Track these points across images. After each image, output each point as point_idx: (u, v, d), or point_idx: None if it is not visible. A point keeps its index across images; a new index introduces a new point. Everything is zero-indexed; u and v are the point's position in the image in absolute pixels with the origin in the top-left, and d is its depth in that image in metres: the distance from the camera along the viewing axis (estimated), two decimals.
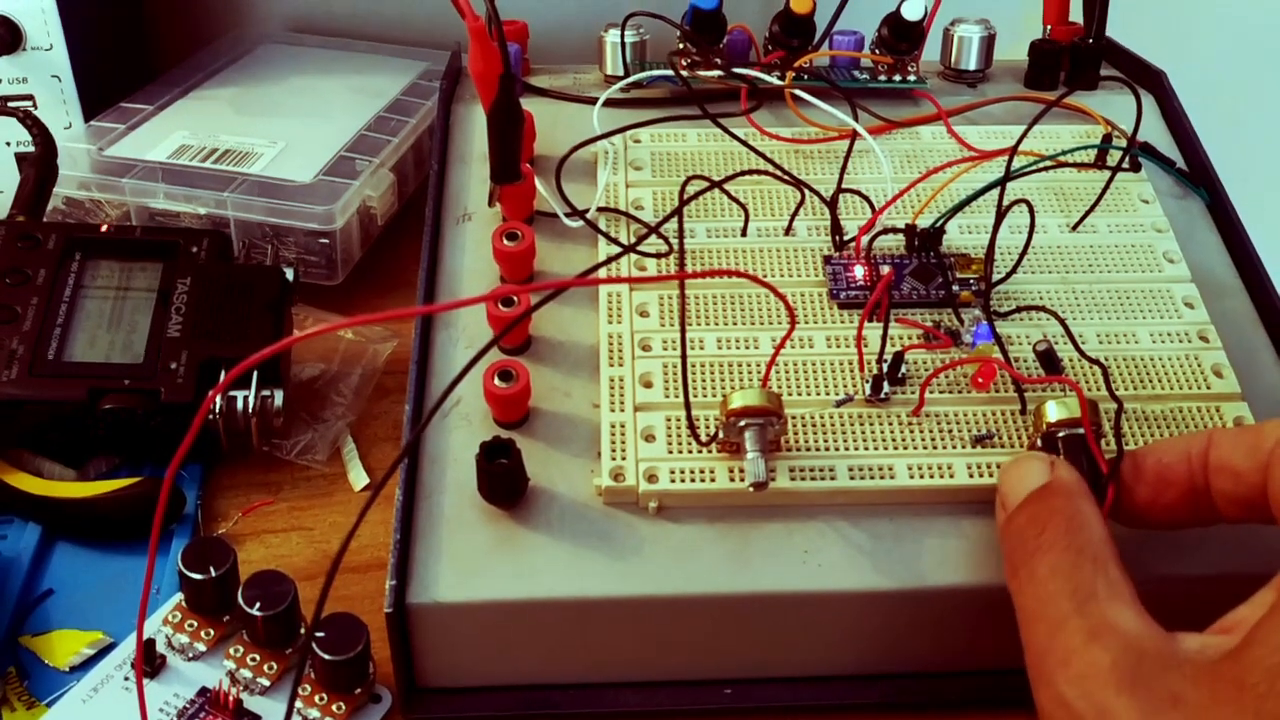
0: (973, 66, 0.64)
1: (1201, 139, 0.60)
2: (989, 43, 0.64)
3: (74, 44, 0.71)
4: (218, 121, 0.73)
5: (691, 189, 0.53)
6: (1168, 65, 0.64)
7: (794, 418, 0.46)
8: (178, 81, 0.78)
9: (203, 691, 0.43)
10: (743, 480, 0.44)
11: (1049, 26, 0.65)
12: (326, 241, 0.66)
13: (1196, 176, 0.58)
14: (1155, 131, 0.61)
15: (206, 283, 0.57)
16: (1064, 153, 0.53)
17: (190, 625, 0.44)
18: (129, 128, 0.71)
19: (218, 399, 0.54)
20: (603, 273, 0.49)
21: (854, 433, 0.46)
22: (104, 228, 0.59)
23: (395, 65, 0.83)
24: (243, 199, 0.65)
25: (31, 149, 0.71)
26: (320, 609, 0.34)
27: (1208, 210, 0.57)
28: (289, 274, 0.59)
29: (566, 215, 0.53)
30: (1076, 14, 0.66)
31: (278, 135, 0.71)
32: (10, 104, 0.70)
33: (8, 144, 0.73)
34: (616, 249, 0.51)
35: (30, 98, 0.72)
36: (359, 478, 0.56)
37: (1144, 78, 0.64)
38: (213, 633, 0.44)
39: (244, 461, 0.56)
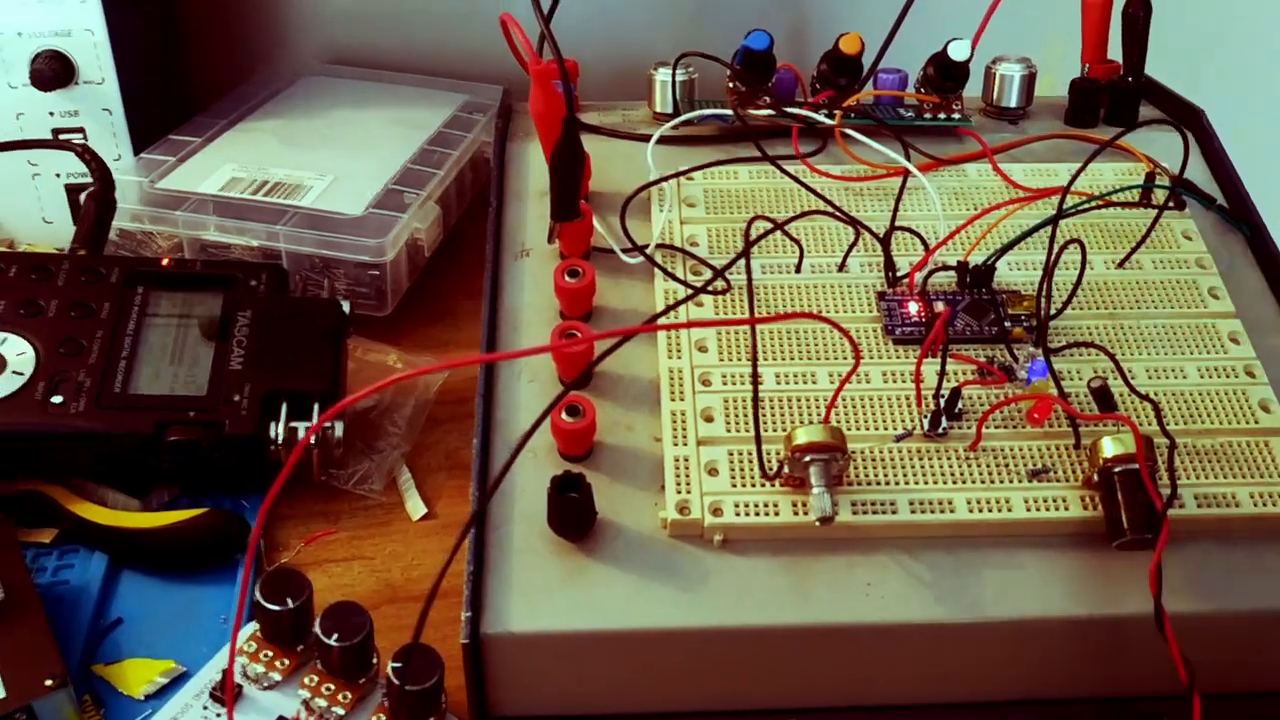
0: (1014, 104, 0.65)
1: (1241, 174, 0.61)
2: (1030, 81, 0.65)
3: (124, 78, 0.73)
4: (265, 154, 0.74)
5: (752, 227, 0.54)
6: (1204, 100, 0.66)
7: (855, 452, 0.47)
8: (223, 114, 0.79)
9: None
10: (807, 514, 0.45)
11: (1087, 65, 0.67)
12: (377, 273, 0.67)
13: (1237, 212, 0.59)
14: (1195, 168, 0.62)
15: (266, 315, 0.58)
16: (1112, 192, 0.54)
17: (266, 655, 0.45)
18: (179, 160, 0.73)
19: (280, 430, 0.55)
20: (672, 314, 0.50)
21: (914, 467, 0.47)
22: (165, 261, 0.60)
23: (435, 98, 0.84)
24: (294, 231, 0.66)
25: (81, 180, 0.73)
26: (417, 638, 0.35)
27: (1249, 246, 0.58)
28: (345, 306, 0.60)
29: (625, 251, 0.54)
30: (1114, 51, 0.67)
31: (325, 168, 0.72)
32: (63, 136, 0.72)
33: (57, 175, 0.74)
34: (678, 287, 0.52)
35: (81, 130, 0.73)
36: (416, 507, 0.57)
37: (1183, 115, 0.65)
38: (288, 662, 0.45)
39: (303, 491, 0.57)
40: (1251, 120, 0.76)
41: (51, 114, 0.72)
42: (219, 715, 0.44)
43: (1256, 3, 0.89)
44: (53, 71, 0.70)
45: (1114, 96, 0.65)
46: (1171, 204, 0.56)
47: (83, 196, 0.67)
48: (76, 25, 0.70)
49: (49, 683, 0.44)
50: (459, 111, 0.82)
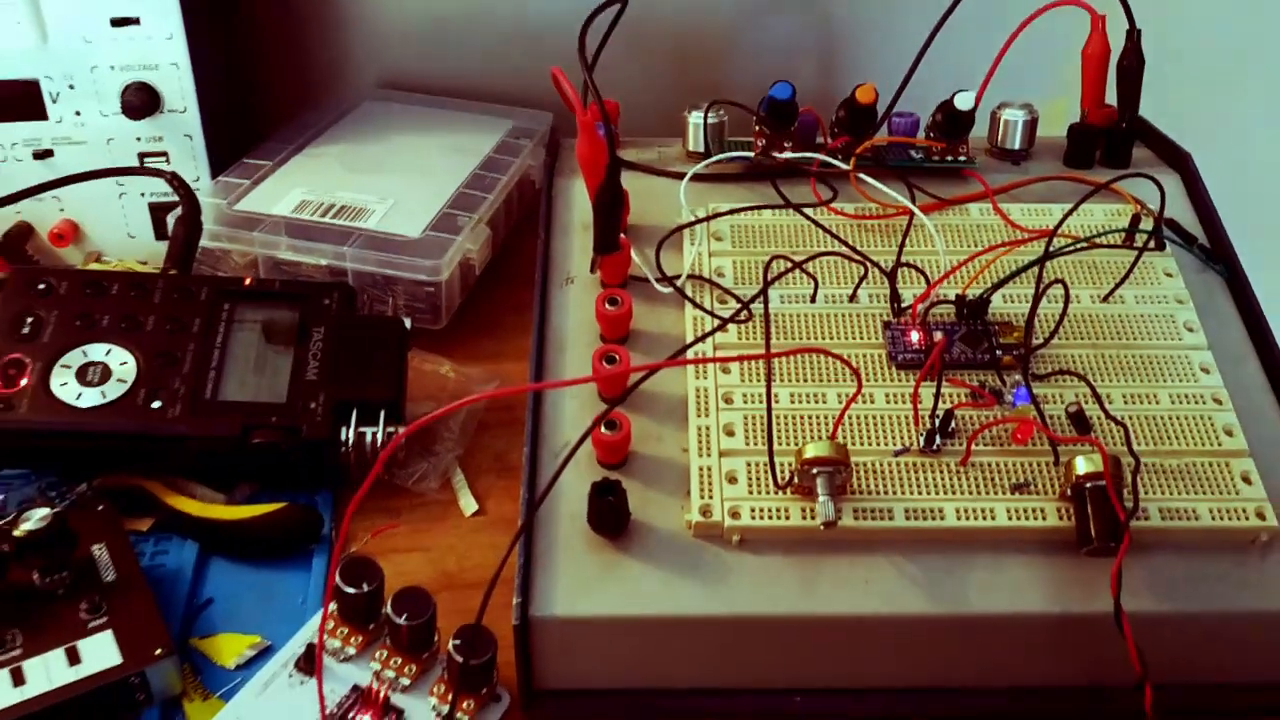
0: (1017, 146, 0.71)
1: (1225, 215, 0.67)
2: (1032, 125, 0.71)
3: (204, 106, 0.79)
4: (331, 178, 0.81)
5: (771, 265, 0.61)
6: (1197, 142, 0.71)
7: (857, 465, 0.53)
8: (290, 139, 0.86)
9: (355, 689, 0.51)
10: (814, 519, 0.51)
11: (1086, 110, 0.72)
12: (433, 290, 0.74)
13: (1216, 252, 0.65)
14: (1180, 209, 0.68)
15: (337, 330, 0.65)
16: (1096, 235, 0.60)
17: (342, 632, 0.52)
18: (253, 183, 0.80)
19: (350, 434, 0.61)
20: (700, 344, 0.57)
21: (909, 479, 0.53)
22: (247, 280, 0.67)
23: (485, 124, 0.90)
24: (359, 252, 0.73)
25: (163, 200, 0.80)
26: (480, 619, 0.42)
27: (1225, 283, 0.64)
28: (407, 323, 0.67)
29: (658, 281, 0.61)
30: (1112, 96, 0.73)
31: (386, 191, 0.79)
32: (148, 161, 0.79)
33: (142, 194, 0.81)
34: (706, 317, 0.58)
35: (164, 154, 0.80)
36: (469, 504, 0.64)
37: (1172, 158, 0.71)
38: (361, 639, 0.52)
39: (370, 491, 0.63)
40: (1245, 162, 0.82)
41: (138, 139, 0.79)
42: (303, 683, 0.51)
43: (1244, 56, 0.95)
44: (141, 102, 0.77)
45: (1109, 140, 0.71)
46: (1152, 245, 0.62)
47: (170, 219, 0.74)
48: (163, 60, 0.77)
49: (158, 652, 0.51)
50: (507, 137, 0.88)
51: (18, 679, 0.49)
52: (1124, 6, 0.69)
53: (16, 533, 0.52)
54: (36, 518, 0.52)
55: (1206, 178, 0.70)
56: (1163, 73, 0.74)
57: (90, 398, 0.60)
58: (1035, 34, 0.68)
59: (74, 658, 0.50)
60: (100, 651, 0.51)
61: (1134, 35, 0.70)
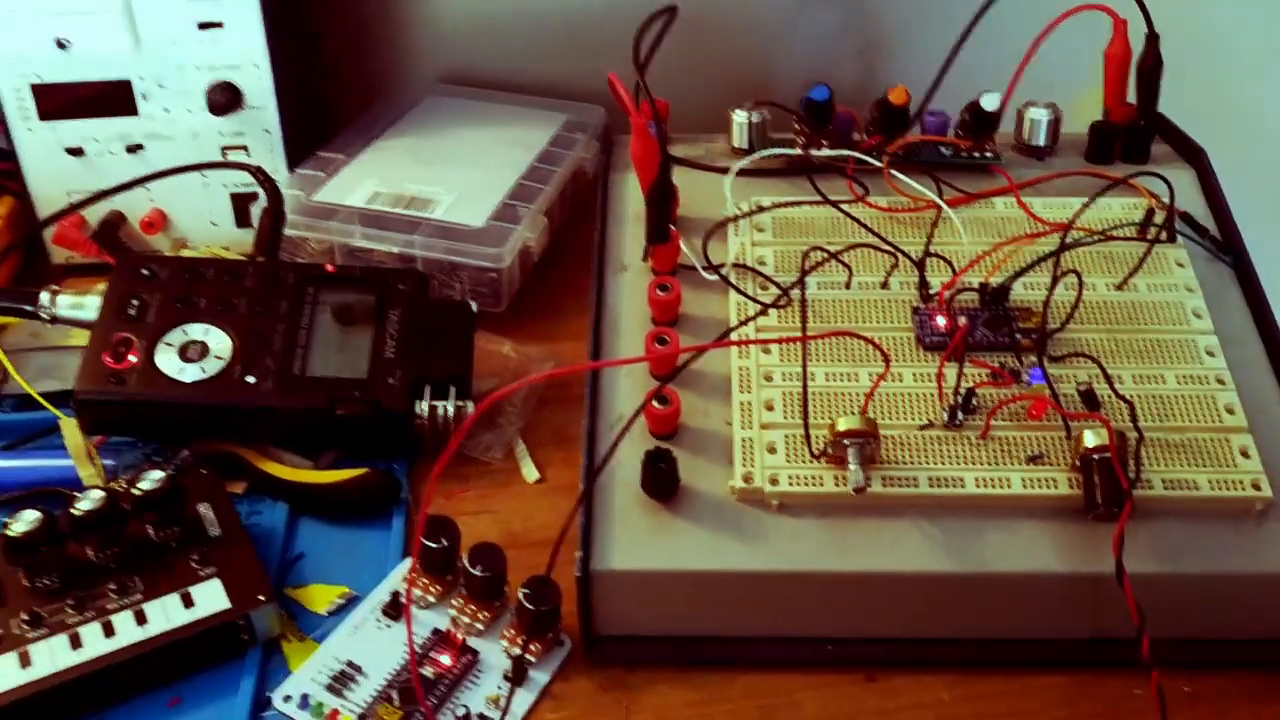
0: (1041, 143, 0.76)
1: (1240, 207, 0.72)
2: (1056, 124, 0.76)
3: (282, 103, 0.85)
4: (400, 170, 0.86)
5: (809, 256, 0.66)
6: (1214, 138, 0.76)
7: (886, 437, 0.59)
8: (360, 132, 0.92)
9: (435, 631, 0.57)
10: (846, 485, 0.57)
11: (1109, 108, 0.77)
12: (495, 276, 0.79)
13: (1226, 244, 0.70)
14: (1195, 202, 0.73)
15: (412, 313, 0.71)
16: (1112, 228, 0.66)
17: (423, 583, 0.58)
18: (328, 175, 0.86)
19: (424, 408, 0.68)
20: (743, 327, 0.62)
21: (933, 451, 0.59)
22: (330, 267, 0.73)
23: (540, 118, 0.96)
24: (427, 240, 0.79)
25: (243, 190, 0.86)
26: (550, 571, 0.48)
27: (1233, 273, 0.69)
28: (474, 306, 0.73)
29: (705, 269, 0.66)
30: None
31: (450, 183, 0.85)
32: (230, 154, 0.85)
33: (224, 185, 0.88)
34: (752, 306, 0.64)
35: (244, 148, 0.86)
36: (530, 472, 0.70)
37: (1188, 153, 0.76)
38: (439, 588, 0.58)
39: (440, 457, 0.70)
40: (1260, 159, 0.86)
41: (221, 134, 0.85)
42: (389, 626, 0.57)
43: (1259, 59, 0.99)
44: (225, 99, 0.83)
45: (1129, 137, 0.76)
46: (1164, 237, 0.67)
47: (255, 210, 0.80)
48: (245, 60, 0.83)
49: (261, 598, 0.57)
50: (561, 130, 0.94)
51: (140, 619, 0.56)
52: (1143, 12, 0.74)
53: (135, 491, 0.59)
54: (152, 478, 0.59)
55: (1225, 170, 0.74)
56: (1182, 70, 0.78)
57: (191, 373, 0.67)
58: (1068, 25, 0.72)
59: (188, 602, 0.57)
60: (211, 597, 0.57)
61: (1153, 39, 0.75)
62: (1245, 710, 0.56)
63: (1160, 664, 0.53)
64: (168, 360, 0.67)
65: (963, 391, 0.60)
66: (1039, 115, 0.76)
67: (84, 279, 0.84)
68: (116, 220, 0.87)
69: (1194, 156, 0.75)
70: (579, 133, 0.93)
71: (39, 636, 0.55)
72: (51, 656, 0.54)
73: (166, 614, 0.56)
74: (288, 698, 0.54)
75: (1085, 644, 0.58)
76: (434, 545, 0.57)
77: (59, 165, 0.84)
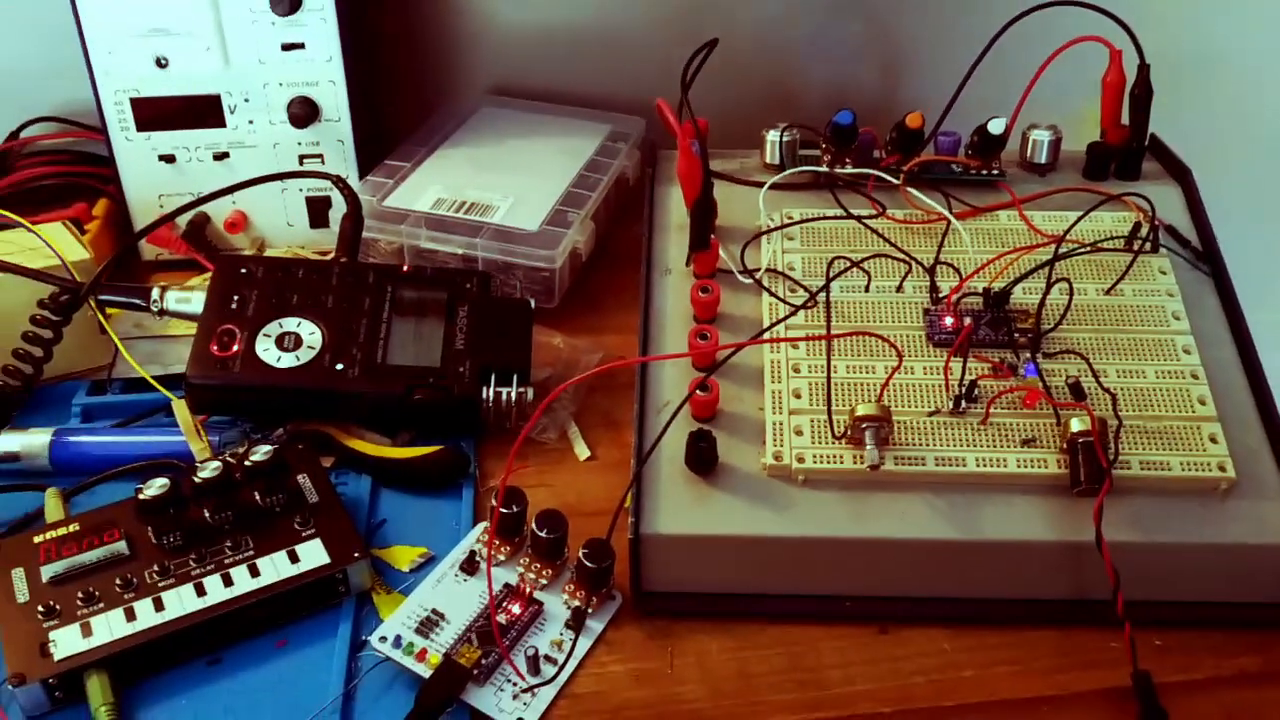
0: (1043, 161, 0.85)
1: (1224, 222, 0.80)
2: (1057, 144, 0.84)
3: (354, 116, 0.94)
4: (460, 177, 0.95)
5: (832, 265, 0.75)
6: (1202, 157, 0.84)
7: (898, 422, 0.67)
8: (422, 142, 1.01)
9: (506, 585, 0.66)
10: (863, 463, 0.65)
11: (1105, 130, 0.85)
12: (548, 275, 0.88)
13: (1206, 254, 0.78)
14: (1180, 216, 0.81)
15: (478, 309, 0.80)
16: (1103, 240, 0.74)
17: (495, 543, 0.67)
18: (395, 182, 0.94)
19: (490, 394, 0.76)
20: (775, 327, 0.71)
21: (939, 434, 0.67)
22: (405, 267, 0.82)
23: (587, 128, 1.04)
24: (487, 243, 0.88)
25: (318, 194, 0.95)
26: (611, 534, 0.57)
27: (1211, 281, 0.77)
28: (532, 303, 0.82)
29: (741, 274, 0.75)
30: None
31: (506, 189, 0.93)
32: (306, 163, 0.94)
33: (300, 190, 0.97)
34: (782, 307, 0.72)
35: (320, 157, 0.95)
36: (582, 451, 0.79)
37: (1176, 172, 0.84)
38: (509, 549, 0.67)
39: (505, 438, 0.78)
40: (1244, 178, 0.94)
41: (299, 144, 0.94)
42: (466, 580, 0.66)
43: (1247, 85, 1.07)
44: (304, 113, 0.92)
45: (1123, 156, 0.84)
46: (1148, 248, 0.75)
47: (333, 215, 0.89)
48: (323, 78, 0.92)
49: (355, 555, 0.66)
50: (606, 140, 1.02)
51: (253, 572, 0.65)
52: (1134, 44, 0.82)
53: (247, 463, 0.68)
54: (261, 451, 0.68)
55: (1218, 186, 0.82)
56: (1177, 94, 0.86)
57: (287, 360, 0.76)
58: (1069, 52, 0.80)
59: (294, 558, 0.66)
60: (313, 554, 0.66)
61: (1144, 69, 0.83)
62: (1208, 662, 0.64)
63: (1134, 621, 0.61)
64: (266, 349, 0.76)
65: (966, 383, 0.68)
66: (1041, 136, 0.84)
67: (174, 274, 0.93)
68: (203, 221, 0.96)
69: (1181, 175, 0.84)
70: (621, 142, 1.02)
71: (168, 585, 0.64)
72: (181, 602, 0.63)
73: (276, 568, 0.65)
74: (383, 638, 0.63)
75: (1069, 603, 0.66)
76: (508, 511, 0.66)
77: (152, 171, 0.93)
